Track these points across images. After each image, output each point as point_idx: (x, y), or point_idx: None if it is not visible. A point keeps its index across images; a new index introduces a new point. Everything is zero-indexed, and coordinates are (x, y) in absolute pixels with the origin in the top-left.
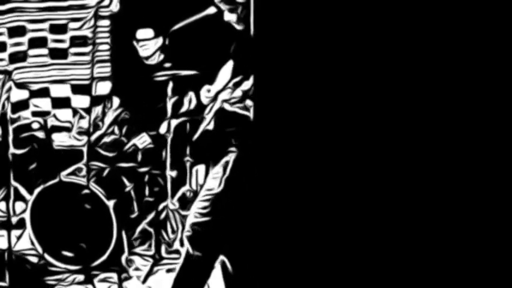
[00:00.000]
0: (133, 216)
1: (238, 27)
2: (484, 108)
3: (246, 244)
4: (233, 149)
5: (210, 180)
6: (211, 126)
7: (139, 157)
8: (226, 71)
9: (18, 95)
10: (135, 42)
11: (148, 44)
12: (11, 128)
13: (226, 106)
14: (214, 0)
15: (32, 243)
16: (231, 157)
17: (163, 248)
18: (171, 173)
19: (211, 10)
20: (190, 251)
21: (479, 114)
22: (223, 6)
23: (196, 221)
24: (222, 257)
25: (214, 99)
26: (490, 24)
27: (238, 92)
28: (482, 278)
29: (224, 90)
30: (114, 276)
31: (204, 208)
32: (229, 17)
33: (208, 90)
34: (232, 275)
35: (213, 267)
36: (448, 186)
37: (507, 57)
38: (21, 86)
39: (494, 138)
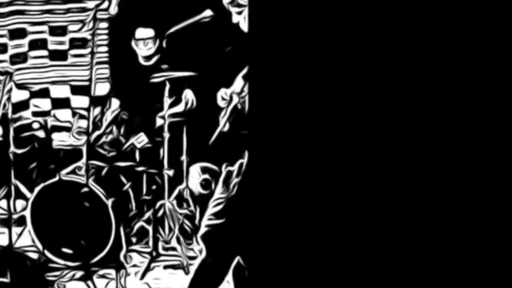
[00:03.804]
0: (131, 214)
1: (245, 28)
2: (484, 108)
3: (257, 245)
4: (247, 152)
5: (222, 183)
6: (226, 128)
7: (137, 156)
8: (241, 77)
9: (19, 95)
10: (133, 42)
11: (148, 44)
12: (11, 127)
13: (235, 99)
14: (223, 3)
15: (32, 240)
16: (244, 159)
17: (160, 245)
18: (168, 172)
19: (207, 13)
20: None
21: (479, 114)
22: (232, 9)
23: (210, 223)
24: (236, 257)
25: (230, 101)
26: (490, 24)
27: (247, 86)
28: (482, 278)
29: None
30: (112, 272)
31: (218, 211)
32: (237, 19)
33: (226, 93)
34: (245, 274)
35: (227, 270)
36: (445, 186)
37: (507, 57)
38: (21, 86)
39: (494, 138)
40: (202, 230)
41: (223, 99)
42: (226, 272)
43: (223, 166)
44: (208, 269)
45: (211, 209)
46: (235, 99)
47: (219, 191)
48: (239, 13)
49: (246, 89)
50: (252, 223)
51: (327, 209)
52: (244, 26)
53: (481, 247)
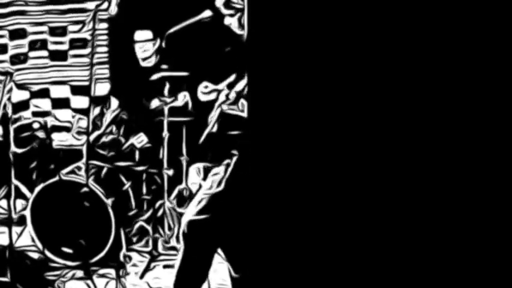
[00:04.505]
0: (131, 213)
1: (239, 31)
2: (484, 108)
3: (245, 243)
4: (235, 151)
5: (209, 180)
6: (215, 129)
7: (137, 156)
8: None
9: (19, 95)
10: (134, 44)
11: (146, 46)
12: (11, 127)
13: (224, 107)
14: (215, 4)
15: (33, 239)
16: (233, 159)
17: (160, 244)
18: (168, 172)
19: (207, 13)
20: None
21: (479, 115)
22: (224, 11)
23: (192, 219)
24: (227, 264)
25: (216, 99)
26: (490, 24)
27: (232, 93)
28: (482, 278)
29: (221, 91)
30: (112, 271)
31: (202, 207)
32: (229, 21)
33: (206, 87)
34: (237, 278)
35: (210, 264)
36: (445, 186)
37: (507, 57)
38: (21, 87)
39: (494, 138)
40: (183, 226)
41: (203, 93)
42: (208, 270)
43: (211, 165)
44: (190, 267)
45: (193, 206)
46: (224, 107)
47: (205, 188)
48: (231, 15)
49: (231, 96)
50: (235, 220)
51: (319, 209)
52: (236, 28)
53: (481, 247)
